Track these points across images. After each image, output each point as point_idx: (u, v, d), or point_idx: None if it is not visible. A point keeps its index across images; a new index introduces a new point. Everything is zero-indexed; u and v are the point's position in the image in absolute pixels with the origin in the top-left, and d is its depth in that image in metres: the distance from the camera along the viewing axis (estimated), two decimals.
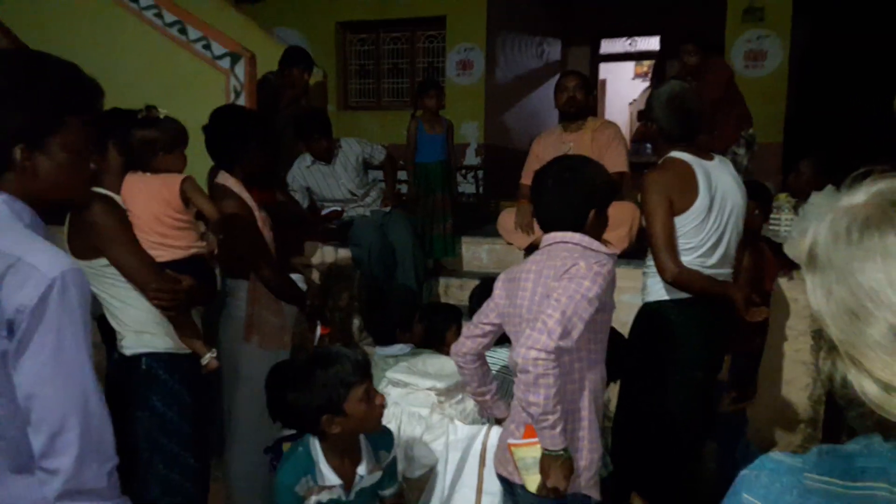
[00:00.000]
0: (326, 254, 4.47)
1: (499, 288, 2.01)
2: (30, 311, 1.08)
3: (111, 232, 2.10)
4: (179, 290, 2.15)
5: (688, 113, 2.51)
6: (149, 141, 2.22)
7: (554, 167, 1.99)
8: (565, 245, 1.90)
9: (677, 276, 2.36)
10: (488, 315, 2.01)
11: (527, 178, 3.99)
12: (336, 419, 1.84)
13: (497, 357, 2.34)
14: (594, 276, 1.77)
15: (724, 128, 4.48)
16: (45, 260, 1.11)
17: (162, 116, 2.25)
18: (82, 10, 4.68)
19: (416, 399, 2.23)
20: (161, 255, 2.19)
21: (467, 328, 2.06)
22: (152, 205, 2.19)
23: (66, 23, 4.71)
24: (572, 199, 1.91)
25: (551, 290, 1.79)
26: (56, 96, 1.21)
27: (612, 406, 2.81)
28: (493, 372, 2.17)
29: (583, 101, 3.85)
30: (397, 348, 2.72)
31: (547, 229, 1.97)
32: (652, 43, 10.39)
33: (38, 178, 1.20)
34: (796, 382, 3.49)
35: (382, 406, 1.92)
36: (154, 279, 2.11)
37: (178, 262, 2.23)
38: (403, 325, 2.76)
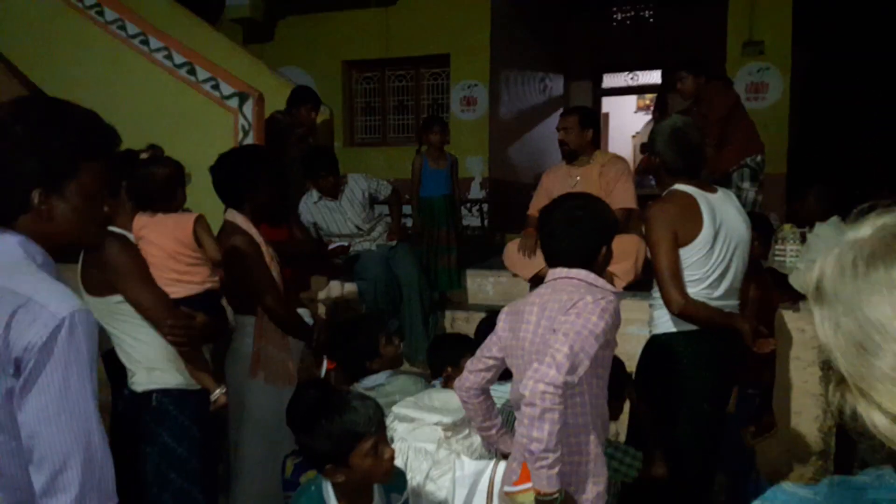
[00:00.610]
0: (333, 288, 4.49)
1: (502, 321, 2.01)
2: (37, 350, 1.09)
3: (126, 269, 2.13)
4: (194, 326, 2.17)
5: (690, 146, 2.53)
6: (170, 178, 2.27)
7: (564, 204, 2.01)
8: (570, 281, 1.91)
9: (684, 308, 2.36)
10: (491, 349, 2.01)
11: (534, 210, 4.03)
12: (340, 469, 1.81)
13: (501, 391, 2.33)
14: (601, 312, 1.78)
15: (721, 151, 4.41)
16: (54, 300, 1.13)
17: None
18: (94, 53, 4.80)
19: (423, 434, 2.22)
20: (177, 291, 2.22)
21: (471, 362, 2.05)
22: (167, 244, 2.23)
23: (79, 65, 4.82)
24: (586, 236, 1.94)
25: (558, 325, 1.80)
26: (73, 142, 1.24)
27: (621, 440, 2.78)
28: (498, 406, 2.16)
29: (576, 141, 3.90)
30: (373, 379, 2.69)
31: (553, 264, 1.98)
32: (654, 76, 10.52)
33: (54, 221, 1.23)
34: (806, 414, 3.45)
35: (391, 460, 1.88)
36: (169, 315, 2.14)
37: (191, 298, 2.25)
38: (370, 354, 2.72)
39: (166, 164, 2.27)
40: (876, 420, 0.70)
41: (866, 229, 0.75)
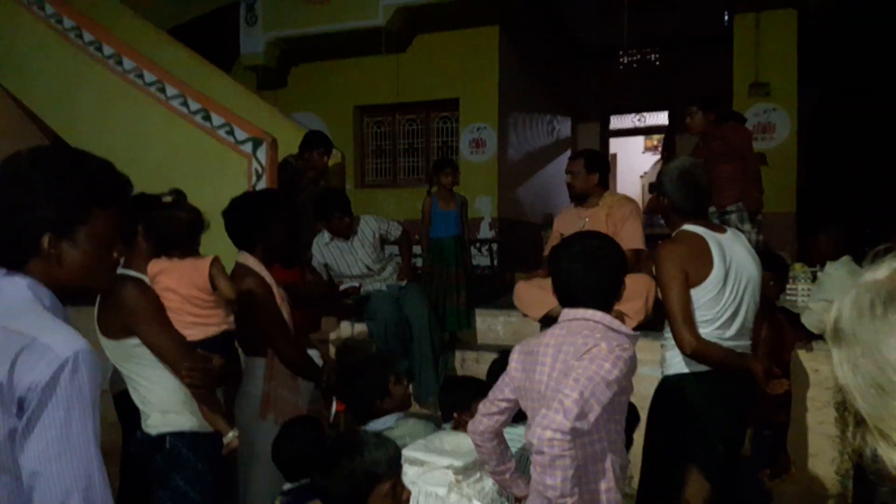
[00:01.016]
0: (343, 329, 4.50)
1: (514, 361, 1.98)
2: (41, 389, 1.10)
3: (144, 312, 2.15)
4: (211, 369, 2.18)
5: (698, 187, 2.55)
6: (192, 224, 2.29)
7: (579, 244, 1.98)
8: (586, 323, 1.88)
9: (696, 349, 2.34)
10: (503, 390, 1.98)
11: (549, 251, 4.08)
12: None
13: (515, 434, 2.31)
14: (615, 360, 1.75)
15: (722, 184, 4.28)
16: (59, 340, 1.15)
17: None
18: (113, 102, 4.92)
19: (433, 478, 2.19)
20: (194, 334, 2.23)
21: (483, 405, 2.02)
22: (184, 288, 2.24)
23: (98, 113, 4.95)
24: (605, 276, 1.93)
25: (571, 369, 1.78)
26: (85, 190, 1.28)
27: (635, 483, 2.74)
28: (513, 450, 2.13)
29: (582, 184, 3.95)
30: (382, 422, 2.65)
31: (568, 304, 1.95)
32: (661, 118, 10.65)
33: (63, 265, 1.26)
34: (822, 456, 3.39)
35: (408, 501, 1.87)
36: (186, 358, 2.14)
37: (208, 340, 2.26)
38: (379, 393, 2.68)
39: (189, 210, 2.30)
40: None
41: (884, 270, 0.76)
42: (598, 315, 1.88)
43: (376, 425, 2.66)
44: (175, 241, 2.26)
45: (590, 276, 1.91)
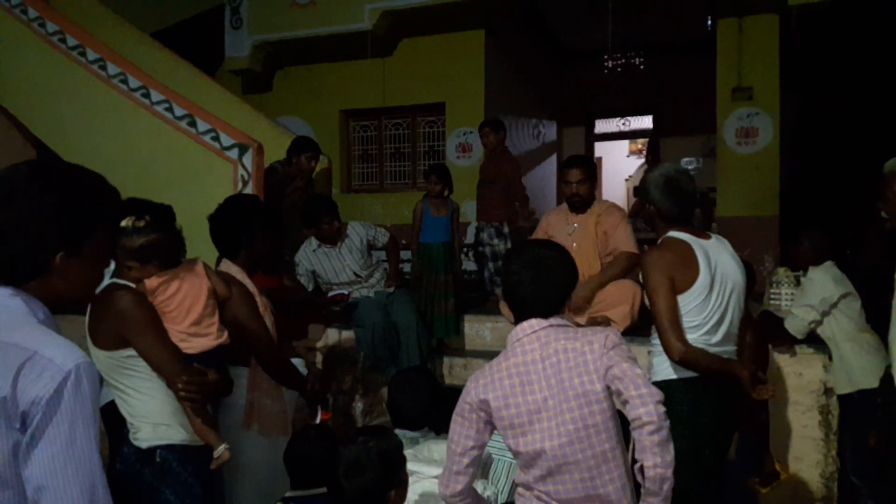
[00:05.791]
0: (330, 336, 4.48)
1: (485, 395, 1.86)
2: (45, 403, 1.11)
3: (141, 323, 2.12)
4: (207, 383, 2.16)
5: (683, 194, 2.57)
6: (181, 239, 2.28)
7: (539, 253, 1.97)
8: (556, 328, 1.89)
9: (684, 355, 2.36)
10: (479, 432, 1.89)
11: None
12: (399, 491, 1.91)
13: (496, 445, 2.30)
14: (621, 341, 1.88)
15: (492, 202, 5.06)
16: (59, 353, 1.15)
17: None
18: (98, 107, 4.89)
19: (422, 488, 2.19)
20: (191, 346, 2.21)
21: (453, 463, 1.91)
22: (191, 297, 2.20)
23: (82, 119, 4.91)
24: (567, 282, 1.96)
25: (605, 362, 1.80)
26: (93, 207, 1.30)
27: None
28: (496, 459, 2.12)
29: (589, 193, 3.94)
30: (419, 432, 2.61)
31: (528, 315, 1.92)
32: (645, 121, 10.73)
33: (69, 280, 1.27)
34: (807, 459, 3.43)
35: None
36: (183, 371, 2.12)
37: (204, 354, 2.24)
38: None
39: (173, 230, 2.26)
40: None
41: None
42: (561, 319, 1.91)
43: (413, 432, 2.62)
44: (177, 255, 2.24)
45: (548, 285, 1.91)
